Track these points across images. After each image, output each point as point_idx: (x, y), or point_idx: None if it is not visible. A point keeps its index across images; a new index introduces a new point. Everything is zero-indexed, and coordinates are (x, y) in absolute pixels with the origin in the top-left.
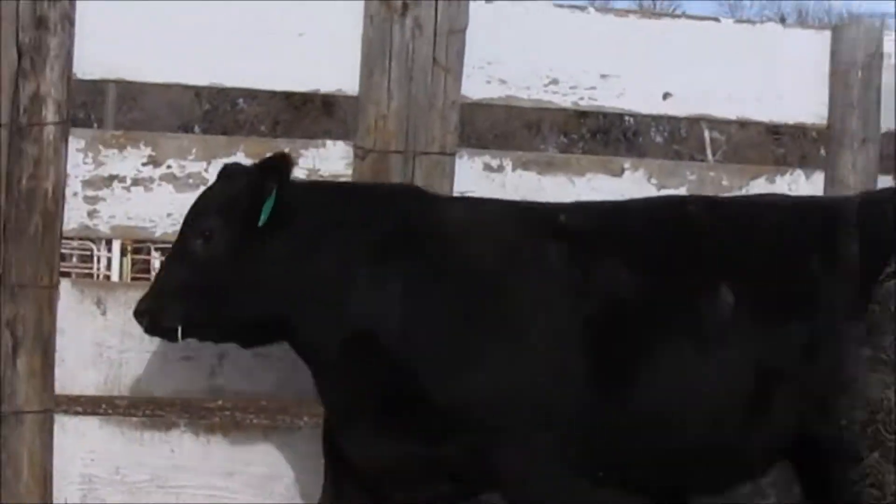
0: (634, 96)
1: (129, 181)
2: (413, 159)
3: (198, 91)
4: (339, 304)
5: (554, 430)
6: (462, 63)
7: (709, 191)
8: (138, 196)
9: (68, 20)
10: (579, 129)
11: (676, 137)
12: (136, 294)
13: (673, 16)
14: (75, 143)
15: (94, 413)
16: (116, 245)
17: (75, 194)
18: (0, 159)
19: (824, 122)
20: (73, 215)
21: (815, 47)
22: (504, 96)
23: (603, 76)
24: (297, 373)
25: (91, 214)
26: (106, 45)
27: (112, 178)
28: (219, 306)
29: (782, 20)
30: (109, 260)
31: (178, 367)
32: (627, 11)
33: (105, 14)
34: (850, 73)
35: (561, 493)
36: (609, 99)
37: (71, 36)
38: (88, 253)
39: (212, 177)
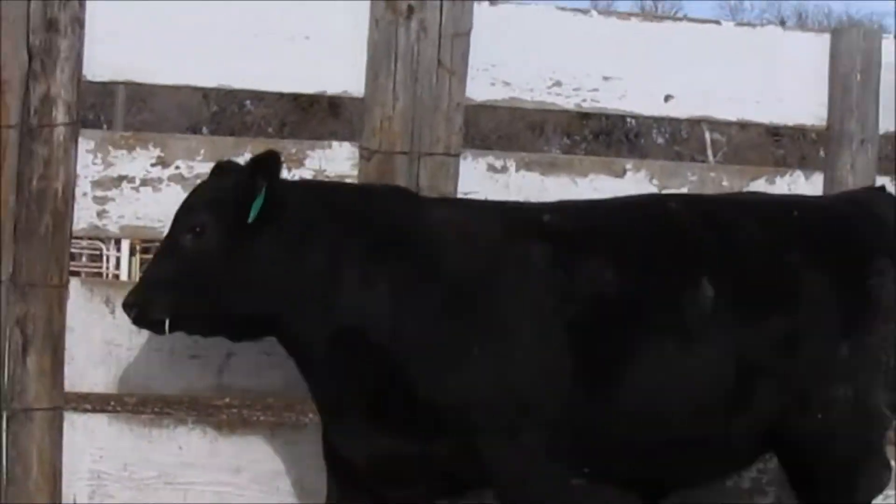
0: (636, 98)
1: (138, 182)
2: (418, 160)
3: (206, 93)
4: (328, 302)
5: (542, 426)
6: (466, 65)
7: (709, 191)
8: (147, 196)
9: (78, 22)
10: (582, 130)
11: (678, 139)
12: None
13: (674, 18)
14: (85, 144)
15: (102, 410)
16: (125, 245)
17: (85, 194)
18: (10, 160)
19: (823, 123)
20: (83, 215)
21: (814, 50)
22: (508, 98)
23: (605, 78)
24: None
25: (100, 214)
26: (115, 48)
27: (121, 178)
28: (207, 300)
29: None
30: (118, 259)
31: (186, 365)
32: (629, 14)
33: (114, 16)
34: (849, 76)
35: (550, 489)
36: (611, 101)
37: (81, 38)
38: (98, 252)
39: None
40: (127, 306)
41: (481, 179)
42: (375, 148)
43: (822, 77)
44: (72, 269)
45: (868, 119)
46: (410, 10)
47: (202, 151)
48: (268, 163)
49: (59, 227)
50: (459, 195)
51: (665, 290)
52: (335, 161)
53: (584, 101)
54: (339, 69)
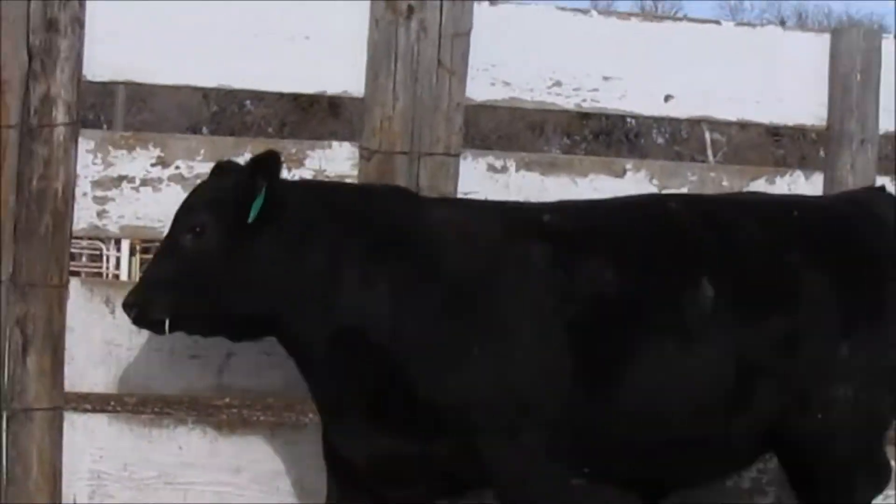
0: (636, 98)
1: (138, 181)
2: (418, 160)
3: (206, 93)
4: (328, 302)
5: (542, 426)
6: (466, 65)
7: (710, 191)
8: (147, 196)
9: (78, 22)
10: (582, 130)
11: (678, 139)
12: None
13: (674, 18)
14: (85, 144)
15: (102, 410)
16: (125, 245)
17: (85, 194)
18: (10, 160)
19: (823, 123)
20: (83, 215)
21: (814, 50)
22: (508, 98)
23: (605, 78)
24: None
25: (100, 214)
26: (115, 48)
27: (121, 178)
28: (207, 300)
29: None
30: (118, 259)
31: (186, 365)
32: (629, 14)
33: (114, 16)
34: (849, 76)
35: (550, 490)
36: (611, 101)
37: (81, 38)
38: (98, 252)
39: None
40: (127, 306)
41: (481, 179)
42: (375, 148)
43: (822, 77)
44: (72, 269)
45: (868, 119)
46: (410, 10)
47: (202, 151)
48: (268, 163)
49: (59, 227)
50: (459, 195)
51: (665, 290)
52: (335, 161)
53: (584, 101)
54: (339, 69)
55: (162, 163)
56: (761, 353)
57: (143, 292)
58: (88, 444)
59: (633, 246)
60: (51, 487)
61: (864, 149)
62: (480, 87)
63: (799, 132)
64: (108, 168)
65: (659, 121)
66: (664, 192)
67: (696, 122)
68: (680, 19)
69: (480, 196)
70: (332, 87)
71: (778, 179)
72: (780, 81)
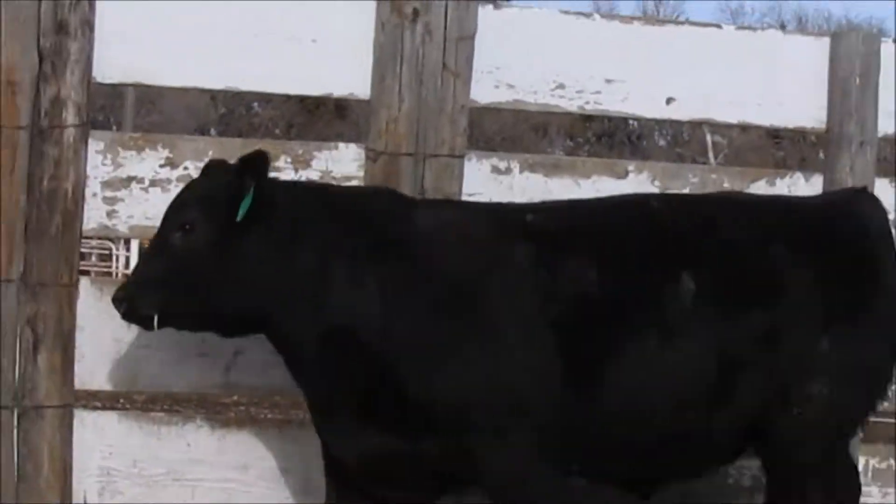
0: (638, 100)
1: (147, 182)
2: (423, 161)
3: (214, 95)
4: (318, 301)
5: (531, 425)
6: (471, 68)
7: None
8: (156, 197)
9: (88, 25)
10: (585, 132)
11: (679, 141)
12: None
13: (676, 22)
14: (95, 145)
15: (112, 408)
16: (135, 244)
17: (94, 195)
18: (21, 161)
19: (823, 126)
20: (93, 215)
21: (814, 53)
22: (512, 100)
23: (608, 81)
24: None
25: (110, 214)
26: (125, 50)
27: (130, 179)
28: (195, 297)
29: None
30: (128, 259)
31: (195, 363)
32: (632, 18)
33: (124, 19)
34: (849, 79)
35: (540, 489)
36: (614, 103)
37: (91, 41)
38: (107, 252)
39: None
40: (116, 301)
41: (485, 181)
42: (381, 149)
43: (821, 80)
44: (82, 268)
45: (867, 122)
46: (416, 13)
47: (210, 152)
48: (256, 162)
49: (69, 227)
50: (464, 196)
51: (646, 286)
52: (341, 162)
53: (587, 103)
54: (346, 72)
55: (171, 164)
56: (743, 347)
57: (133, 288)
58: (98, 441)
59: (614, 244)
60: (61, 484)
61: (864, 151)
62: (485, 90)
63: (799, 135)
64: (118, 169)
65: (661, 123)
66: (665, 192)
67: (697, 125)
68: (682, 23)
69: (485, 197)
70: (339, 90)
71: (778, 181)
72: (781, 84)
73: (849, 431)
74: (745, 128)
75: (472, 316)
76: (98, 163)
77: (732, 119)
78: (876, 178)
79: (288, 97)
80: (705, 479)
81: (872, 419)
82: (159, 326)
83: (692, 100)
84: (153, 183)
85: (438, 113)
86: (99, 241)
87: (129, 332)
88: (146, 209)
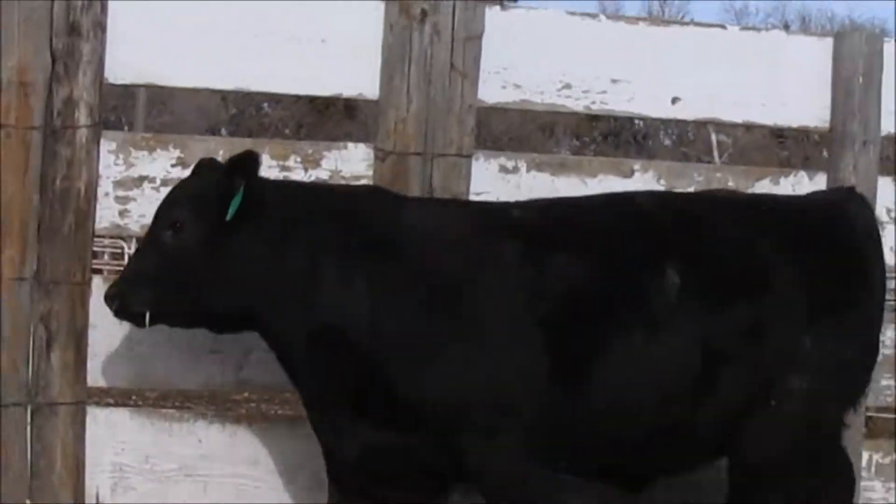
0: (644, 100)
1: (158, 182)
2: (431, 161)
3: (224, 95)
4: (308, 300)
5: (518, 422)
6: (478, 68)
7: None
8: None
9: (100, 27)
10: (591, 132)
11: (684, 140)
12: None
13: (681, 23)
14: (107, 145)
15: (124, 405)
16: None
17: (107, 194)
18: (34, 161)
19: (826, 125)
20: (105, 214)
21: (817, 53)
22: (519, 100)
23: (614, 81)
24: None
25: (122, 214)
26: (136, 51)
27: (142, 178)
28: (186, 295)
29: (786, 27)
30: None
31: (206, 361)
32: (637, 18)
33: (136, 21)
34: (852, 79)
35: (528, 485)
36: (620, 103)
37: (103, 42)
38: (119, 251)
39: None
40: (108, 298)
41: (493, 180)
42: (390, 149)
43: (825, 80)
44: (94, 266)
45: (870, 121)
46: (424, 14)
47: (221, 153)
48: (246, 162)
49: (81, 226)
50: (472, 195)
51: (632, 280)
52: (351, 162)
53: (594, 103)
54: (355, 72)
55: (182, 163)
56: (727, 341)
57: (124, 286)
58: (110, 437)
59: (600, 240)
60: (74, 480)
61: (867, 150)
62: (492, 90)
63: (803, 134)
64: (130, 168)
65: (666, 123)
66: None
67: (702, 124)
68: (687, 24)
69: (493, 196)
70: (348, 90)
71: (782, 180)
72: (785, 84)
73: (830, 428)
74: (749, 127)
75: (459, 314)
76: (110, 163)
77: (737, 118)
78: (879, 176)
79: (297, 98)
80: (706, 475)
81: (875, 415)
82: (151, 323)
83: (697, 100)
84: (165, 182)
85: (446, 113)
86: (111, 240)
87: (141, 330)
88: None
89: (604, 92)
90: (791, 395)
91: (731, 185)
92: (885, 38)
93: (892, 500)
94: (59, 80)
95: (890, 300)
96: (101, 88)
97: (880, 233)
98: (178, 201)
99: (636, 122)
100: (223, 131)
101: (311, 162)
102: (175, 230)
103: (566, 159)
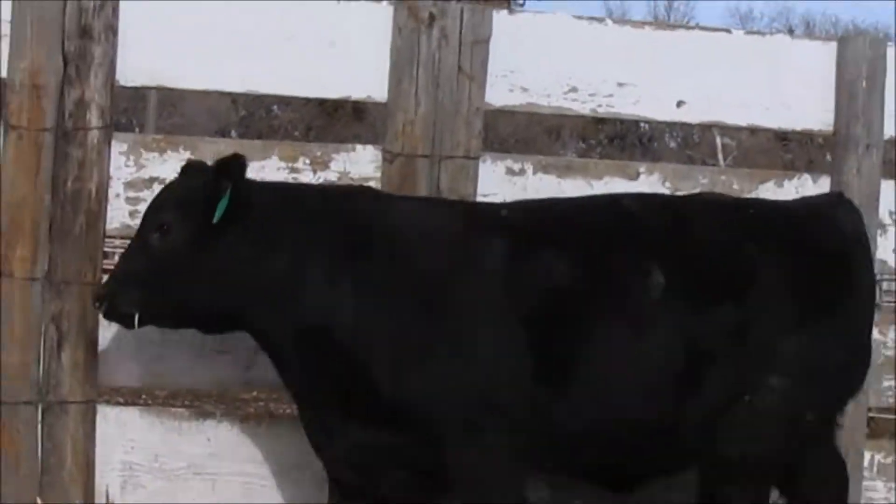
0: (650, 104)
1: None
2: (439, 163)
3: (234, 98)
4: (294, 300)
5: (501, 420)
6: (486, 71)
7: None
8: None
9: (111, 30)
10: (597, 134)
11: (689, 143)
12: None
13: (686, 27)
14: (118, 147)
15: (134, 403)
16: None
17: (118, 195)
18: (46, 162)
19: (830, 128)
20: (116, 215)
21: (821, 58)
22: (525, 103)
23: (620, 84)
24: None
25: (133, 214)
26: (147, 54)
27: (153, 179)
28: (174, 296)
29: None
30: None
31: (215, 360)
32: (643, 23)
33: (147, 25)
34: (856, 83)
35: (509, 485)
36: (626, 106)
37: (114, 45)
38: None
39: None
40: (97, 299)
41: (500, 182)
42: (398, 151)
43: (829, 84)
44: (105, 267)
45: (873, 124)
46: (432, 18)
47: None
48: (232, 165)
49: (92, 227)
50: (479, 197)
51: (617, 280)
52: (359, 163)
53: (600, 106)
54: (364, 75)
55: None
56: (712, 341)
57: (113, 287)
58: (120, 435)
59: (587, 240)
60: (84, 478)
61: (870, 153)
62: (499, 93)
63: (806, 137)
64: (141, 170)
65: (671, 126)
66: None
67: (707, 127)
68: (692, 28)
69: (499, 198)
70: (357, 93)
71: (786, 182)
72: (789, 88)
73: (812, 429)
74: (753, 130)
75: (444, 313)
76: (121, 164)
77: (741, 121)
78: (882, 179)
79: (307, 100)
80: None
81: (877, 415)
82: (139, 325)
83: (702, 103)
84: None
85: (454, 115)
86: (122, 241)
87: (152, 329)
88: None
89: (610, 95)
90: (769, 394)
91: (735, 187)
92: (889, 43)
93: (894, 500)
94: (70, 82)
95: (891, 302)
96: (112, 91)
97: (868, 238)
98: (166, 204)
99: (642, 124)
100: (233, 133)
101: (320, 164)
102: (162, 232)
103: (572, 161)
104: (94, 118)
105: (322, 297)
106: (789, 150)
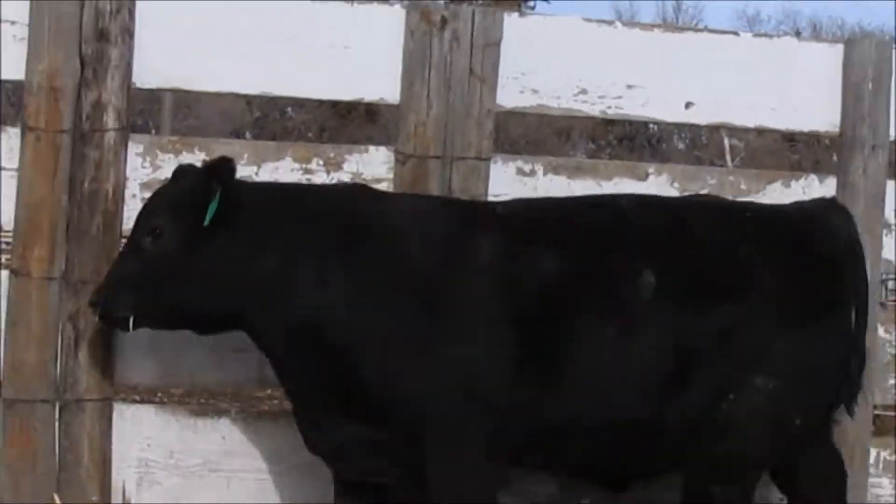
0: (658, 105)
1: None
2: (450, 164)
3: (249, 99)
4: (286, 299)
5: (484, 422)
6: (497, 74)
7: (728, 194)
8: None
9: (128, 33)
10: (607, 135)
11: (698, 144)
12: None
13: (695, 30)
14: (134, 148)
15: (150, 401)
16: None
17: (134, 196)
18: (63, 163)
19: (837, 129)
20: (132, 216)
21: (828, 60)
22: (536, 105)
23: (629, 86)
24: None
25: None
26: (163, 57)
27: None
28: (167, 299)
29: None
30: None
31: (230, 358)
32: (652, 25)
33: (162, 27)
34: (862, 84)
35: (482, 487)
36: (635, 108)
37: (130, 48)
38: None
39: (261, 179)
40: (92, 304)
41: (511, 182)
42: (410, 152)
43: (835, 85)
44: None
45: (879, 125)
46: (444, 21)
47: (245, 155)
48: (221, 168)
49: (109, 227)
50: (490, 198)
51: (608, 279)
52: (372, 165)
53: (609, 108)
54: (376, 77)
55: None
56: (701, 342)
57: (108, 292)
58: (137, 433)
59: (580, 239)
60: (101, 474)
61: (876, 154)
62: (510, 95)
63: (813, 138)
64: (156, 171)
65: (680, 127)
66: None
67: (715, 129)
68: (700, 30)
69: (510, 198)
70: (370, 95)
71: (793, 183)
72: (796, 90)
73: (798, 430)
74: (761, 131)
75: (435, 311)
76: (137, 165)
77: (749, 123)
78: (888, 180)
79: (320, 102)
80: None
81: (882, 413)
82: (134, 328)
83: (710, 104)
84: None
85: (465, 117)
86: None
87: (166, 329)
88: None
89: (619, 97)
90: (754, 394)
91: (743, 187)
92: (895, 45)
93: None
94: (87, 84)
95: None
96: (128, 93)
97: (861, 244)
98: (157, 208)
99: (651, 126)
100: (247, 135)
101: (334, 165)
102: (154, 236)
103: (582, 163)
104: (110, 120)
105: (313, 295)
106: (796, 151)
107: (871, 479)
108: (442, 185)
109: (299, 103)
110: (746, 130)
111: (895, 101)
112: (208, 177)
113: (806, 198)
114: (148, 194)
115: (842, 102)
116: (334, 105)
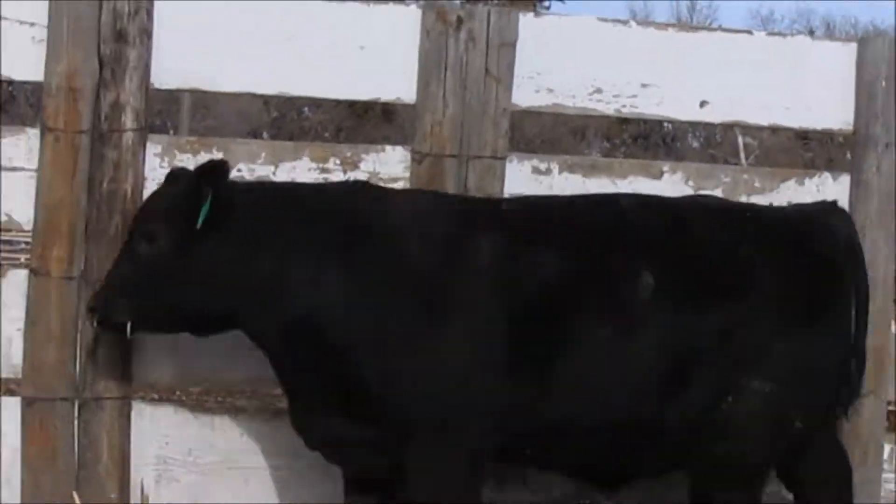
0: (673, 104)
1: None
2: (466, 163)
3: (266, 100)
4: (283, 299)
5: (476, 423)
6: (512, 73)
7: (742, 192)
8: None
9: (146, 34)
10: (621, 134)
11: (712, 142)
12: None
13: (709, 29)
14: (152, 149)
15: (168, 399)
16: None
17: None
18: (82, 164)
19: (850, 128)
20: None
21: (841, 58)
22: (551, 104)
23: (644, 85)
24: None
25: None
26: (181, 58)
27: None
28: (164, 303)
29: (811, 33)
30: None
31: (248, 357)
32: (667, 25)
33: (180, 28)
34: (875, 83)
35: (462, 489)
36: (649, 107)
37: (148, 49)
38: None
39: (279, 179)
40: (90, 310)
41: (526, 181)
42: (426, 151)
43: (849, 84)
44: None
45: (893, 123)
46: (459, 21)
47: (262, 155)
48: (212, 171)
49: (127, 227)
50: (506, 196)
51: (607, 279)
52: (388, 164)
53: (624, 107)
54: (393, 77)
55: None
56: (700, 342)
57: (105, 297)
58: (155, 431)
59: (581, 238)
60: (119, 472)
61: (889, 152)
62: (525, 94)
63: (827, 136)
64: None
65: (694, 125)
66: (699, 192)
67: (729, 127)
68: (714, 29)
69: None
70: (386, 95)
71: (807, 181)
72: (809, 88)
73: (799, 431)
74: (775, 130)
75: (435, 311)
76: (156, 165)
77: (763, 121)
78: None
79: (337, 102)
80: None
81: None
82: (132, 332)
83: (724, 103)
84: None
85: (481, 116)
86: None
87: None
88: None
89: (634, 96)
90: (753, 396)
91: (757, 185)
92: None
93: None
94: (106, 85)
95: None
96: (146, 93)
97: (861, 247)
98: (151, 212)
99: (665, 124)
100: (265, 134)
101: (350, 164)
102: (149, 240)
103: (597, 161)
104: (129, 120)
105: (311, 295)
106: (810, 149)
107: (883, 475)
108: (458, 184)
109: (316, 103)
110: (760, 129)
111: None
112: (199, 180)
113: (820, 196)
114: None
115: (855, 101)
116: (351, 105)
